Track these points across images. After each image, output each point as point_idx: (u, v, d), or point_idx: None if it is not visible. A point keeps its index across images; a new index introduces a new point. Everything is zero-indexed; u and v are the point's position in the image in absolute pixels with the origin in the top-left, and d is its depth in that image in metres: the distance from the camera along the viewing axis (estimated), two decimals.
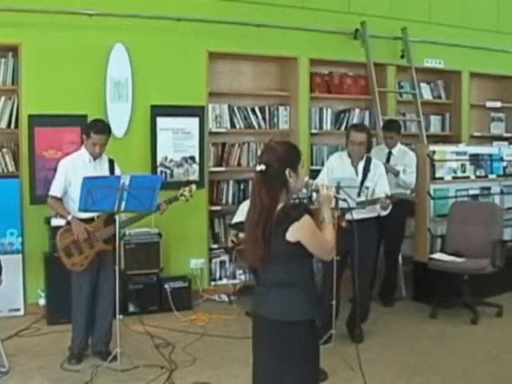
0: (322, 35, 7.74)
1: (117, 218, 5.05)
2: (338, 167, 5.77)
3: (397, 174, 6.70)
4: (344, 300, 5.84)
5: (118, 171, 5.34)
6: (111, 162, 5.37)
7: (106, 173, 5.26)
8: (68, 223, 5.13)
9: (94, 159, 5.21)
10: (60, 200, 5.20)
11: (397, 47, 8.28)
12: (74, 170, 5.13)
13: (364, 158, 5.75)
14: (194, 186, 5.64)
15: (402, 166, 6.84)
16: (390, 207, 5.51)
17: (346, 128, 7.88)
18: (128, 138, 6.88)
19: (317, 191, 3.31)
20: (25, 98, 6.47)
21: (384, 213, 5.62)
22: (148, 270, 6.70)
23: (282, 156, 3.09)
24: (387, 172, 6.16)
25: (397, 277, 7.34)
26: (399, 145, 7.08)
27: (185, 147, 7.15)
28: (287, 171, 3.07)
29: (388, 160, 6.92)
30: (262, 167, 3.07)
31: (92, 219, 5.18)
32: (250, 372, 3.33)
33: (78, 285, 5.19)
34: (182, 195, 5.55)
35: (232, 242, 6.68)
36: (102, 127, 5.20)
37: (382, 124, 7.52)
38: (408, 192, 6.29)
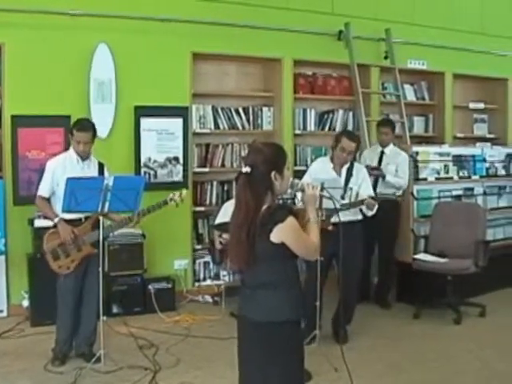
0: (305, 36, 7.76)
1: (101, 220, 5.02)
2: (321, 171, 5.69)
3: (384, 177, 6.71)
4: (328, 300, 5.83)
5: (107, 175, 5.25)
6: (101, 166, 5.33)
7: (95, 175, 5.22)
8: (55, 226, 5.10)
9: (83, 160, 5.18)
10: (47, 200, 5.17)
11: (380, 48, 8.32)
12: (62, 170, 5.10)
13: (348, 163, 5.75)
14: (184, 191, 5.41)
15: (395, 165, 6.85)
16: (376, 207, 5.51)
17: (329, 129, 8.03)
18: (112, 139, 6.85)
19: (302, 191, 3.28)
20: (8, 98, 6.43)
21: (370, 213, 5.60)
22: (132, 271, 6.68)
23: (269, 158, 3.08)
24: (370, 175, 6.14)
25: (392, 279, 7.26)
26: (392, 145, 7.07)
27: (168, 148, 7.13)
28: (273, 174, 3.06)
29: (380, 159, 6.93)
30: (248, 169, 3.05)
31: (79, 220, 5.14)
32: (234, 373, 3.33)
33: (64, 287, 5.15)
34: (172, 199, 5.31)
35: (220, 243, 6.62)
36: (85, 125, 5.15)
37: (364, 125, 7.57)
38: (392, 191, 6.26)
